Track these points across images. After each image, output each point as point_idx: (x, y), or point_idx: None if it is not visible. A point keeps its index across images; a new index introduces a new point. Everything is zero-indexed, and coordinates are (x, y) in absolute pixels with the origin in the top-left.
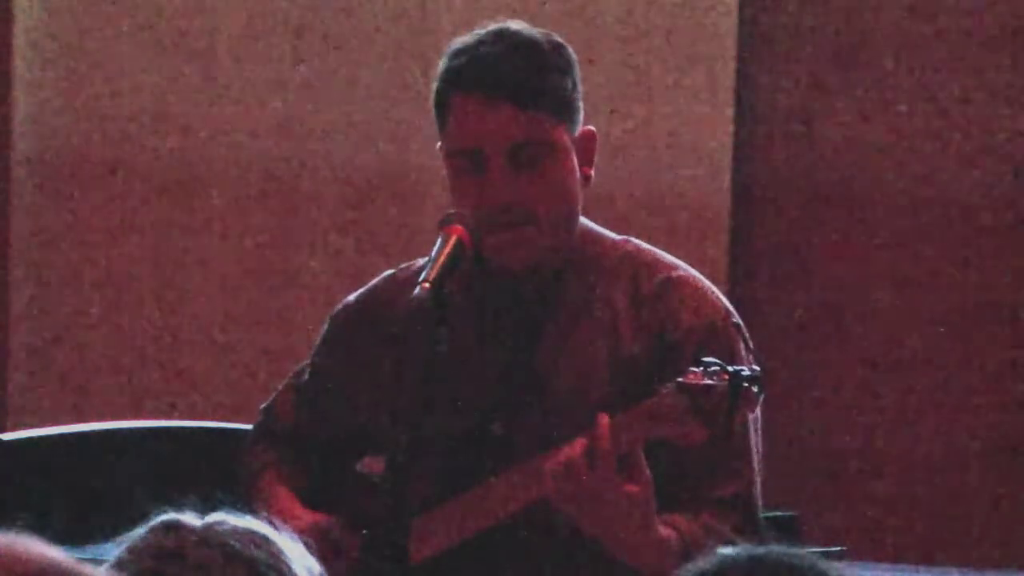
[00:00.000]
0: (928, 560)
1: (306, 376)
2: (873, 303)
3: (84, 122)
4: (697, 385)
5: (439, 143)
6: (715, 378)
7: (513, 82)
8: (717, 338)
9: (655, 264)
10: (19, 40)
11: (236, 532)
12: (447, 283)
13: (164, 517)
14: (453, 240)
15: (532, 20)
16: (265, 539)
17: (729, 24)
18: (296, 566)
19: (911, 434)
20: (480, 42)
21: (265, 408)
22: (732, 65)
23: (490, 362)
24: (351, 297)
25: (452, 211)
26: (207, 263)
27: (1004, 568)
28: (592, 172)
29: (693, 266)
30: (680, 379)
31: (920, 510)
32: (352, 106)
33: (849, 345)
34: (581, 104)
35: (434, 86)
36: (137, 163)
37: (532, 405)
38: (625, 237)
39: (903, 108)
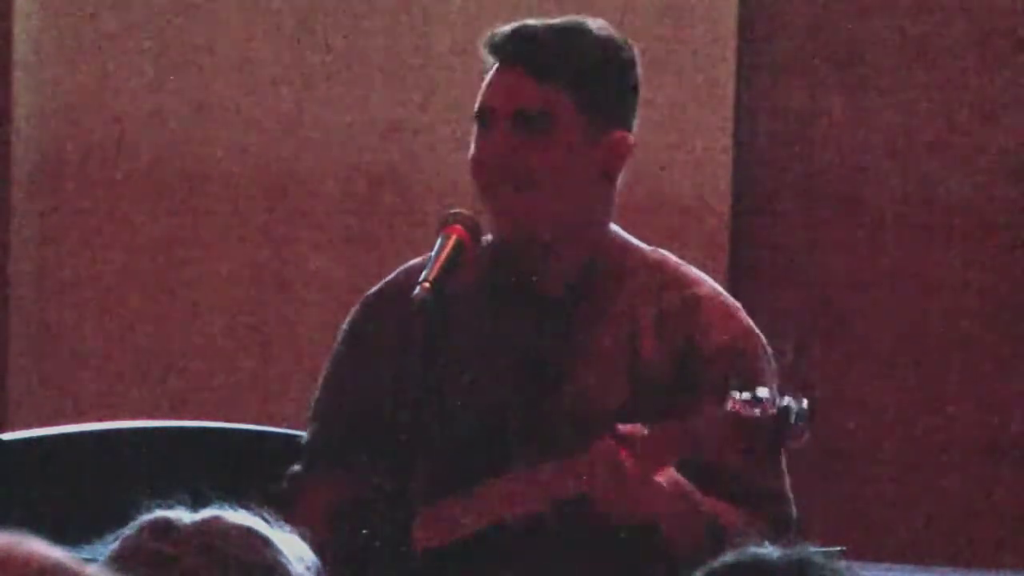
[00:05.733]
0: (928, 560)
1: (320, 393)
2: (873, 303)
3: (84, 121)
4: (747, 418)
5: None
6: (761, 409)
7: (531, 51)
8: (744, 359)
9: (682, 279)
10: (19, 40)
11: (230, 532)
12: (450, 282)
13: (154, 516)
14: (453, 240)
15: (530, 19)
16: (261, 538)
17: (729, 24)
18: (293, 564)
19: (911, 434)
20: (537, 22)
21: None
22: (732, 65)
23: (508, 362)
24: (370, 292)
25: (453, 211)
26: (207, 263)
27: (1003, 568)
28: (616, 176)
29: (693, 266)
30: (728, 407)
31: (920, 510)
32: (352, 106)
33: (849, 345)
34: (623, 107)
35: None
36: (137, 163)
37: (550, 406)
38: (655, 248)
39: (903, 108)
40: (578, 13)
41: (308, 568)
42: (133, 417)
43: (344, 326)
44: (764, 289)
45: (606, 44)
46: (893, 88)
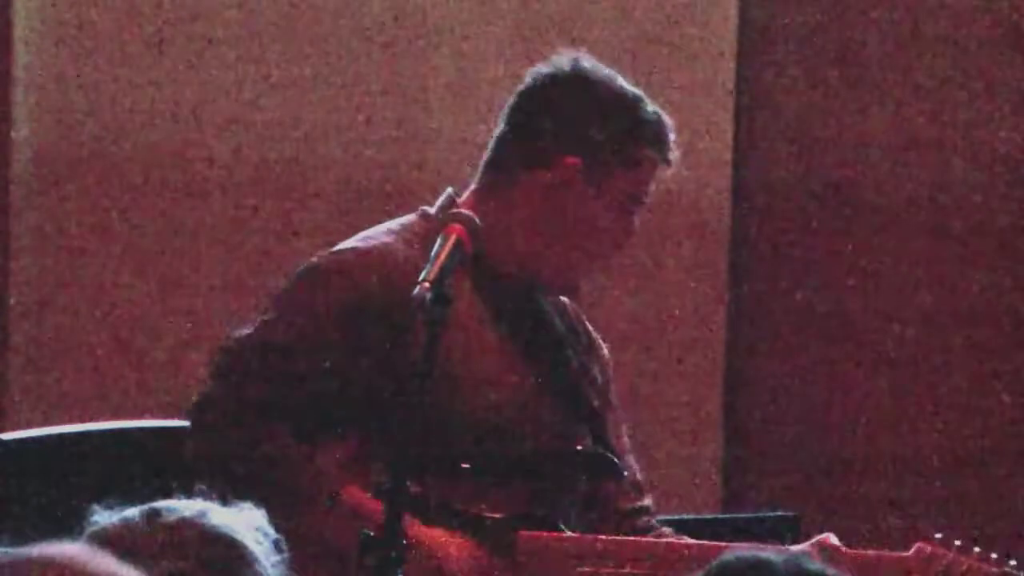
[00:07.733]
0: None
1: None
2: (873, 303)
3: (84, 121)
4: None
5: (602, 178)
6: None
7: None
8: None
9: None
10: (19, 40)
11: (196, 530)
12: (448, 283)
13: (105, 525)
14: (453, 240)
15: (530, 20)
16: (218, 531)
17: (729, 24)
18: (253, 547)
19: (911, 434)
20: (644, 100)
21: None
22: (732, 65)
23: (512, 352)
24: (346, 259)
25: (453, 211)
26: (207, 262)
27: None
28: None
29: (693, 266)
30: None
31: (920, 510)
32: (352, 106)
33: (849, 345)
34: None
35: (623, 128)
36: (136, 162)
37: (585, 421)
38: None
39: (903, 108)
40: (579, 13)
41: (265, 536)
42: (133, 417)
43: (325, 296)
44: (764, 289)
45: None
46: (893, 88)
